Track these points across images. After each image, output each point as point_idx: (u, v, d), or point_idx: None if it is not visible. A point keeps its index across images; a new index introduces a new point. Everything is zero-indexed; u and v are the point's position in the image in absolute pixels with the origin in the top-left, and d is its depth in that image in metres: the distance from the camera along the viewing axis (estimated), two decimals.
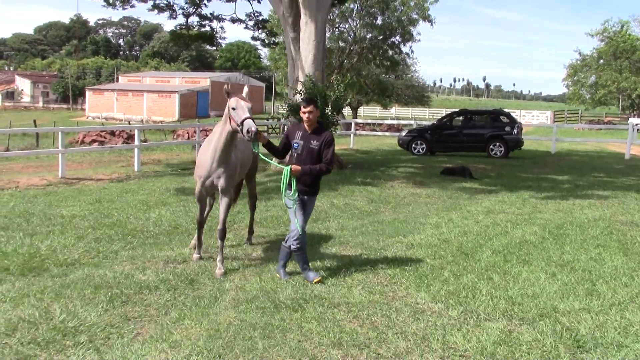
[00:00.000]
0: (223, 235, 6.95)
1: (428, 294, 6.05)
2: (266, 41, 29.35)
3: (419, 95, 60.75)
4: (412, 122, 31.22)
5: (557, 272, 6.92)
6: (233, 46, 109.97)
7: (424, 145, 24.11)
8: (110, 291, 5.97)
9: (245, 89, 6.79)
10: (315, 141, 6.63)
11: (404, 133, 25.76)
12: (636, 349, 4.77)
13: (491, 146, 23.71)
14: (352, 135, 28.17)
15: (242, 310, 5.51)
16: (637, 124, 36.93)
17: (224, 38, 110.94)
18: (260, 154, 6.78)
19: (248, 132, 6.28)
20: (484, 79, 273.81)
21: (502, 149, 23.58)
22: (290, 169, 6.42)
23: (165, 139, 29.17)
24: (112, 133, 28.72)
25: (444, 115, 28.53)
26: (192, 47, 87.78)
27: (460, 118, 25.34)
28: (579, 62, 70.16)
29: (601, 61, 68.14)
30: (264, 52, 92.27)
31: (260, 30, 26.76)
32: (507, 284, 6.41)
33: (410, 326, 5.18)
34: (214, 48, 48.51)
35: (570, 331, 5.10)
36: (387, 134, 32.92)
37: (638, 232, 9.33)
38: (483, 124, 24.82)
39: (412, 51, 53.74)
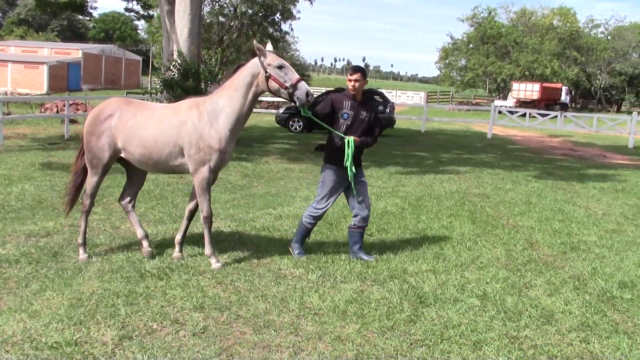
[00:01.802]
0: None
1: (291, 260, 6.38)
2: (141, 13, 28.48)
3: (299, 73, 61.09)
4: None
5: (411, 238, 7.53)
6: (108, 17, 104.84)
7: (301, 123, 24.55)
8: None
9: (269, 45, 6.19)
10: (365, 112, 6.44)
11: (281, 110, 26.05)
12: (470, 302, 5.36)
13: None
14: None
15: (107, 280, 5.55)
16: (500, 106, 39.58)
17: (96, 8, 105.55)
18: (311, 116, 6.25)
19: (307, 95, 5.79)
20: (364, 60, 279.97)
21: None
22: (354, 140, 6.26)
23: (32, 113, 27.60)
24: None
25: (321, 93, 29.06)
26: (63, 17, 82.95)
27: None
28: (450, 45, 73.69)
29: (470, 45, 71.92)
30: (141, 24, 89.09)
31: (135, 2, 25.93)
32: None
33: (271, 289, 5.48)
34: (87, 18, 46.28)
35: (415, 289, 5.62)
36: (265, 111, 33.07)
37: (487, 202, 10.23)
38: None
39: (292, 29, 54.12)
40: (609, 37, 78.13)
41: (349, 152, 6.22)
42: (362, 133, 6.38)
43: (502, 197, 10.86)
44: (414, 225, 8.29)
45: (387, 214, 8.87)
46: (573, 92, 73.51)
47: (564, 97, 59.45)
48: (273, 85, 5.87)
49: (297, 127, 24.55)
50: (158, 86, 18.99)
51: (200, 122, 6.01)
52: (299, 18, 46.94)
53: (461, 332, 4.72)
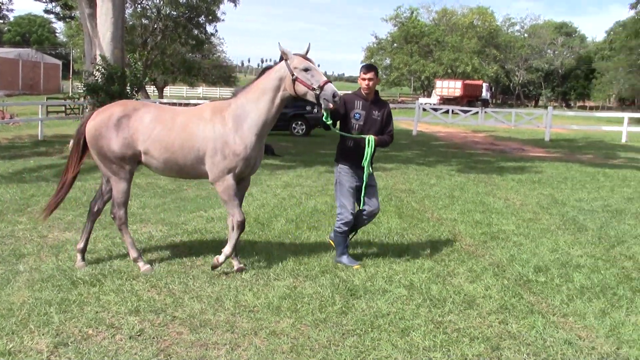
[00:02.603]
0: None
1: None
2: (61, 15, 27.67)
3: (226, 75, 61.04)
4: None
5: None
6: (24, 20, 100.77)
7: None
8: None
9: (308, 47, 6.05)
10: (377, 111, 6.41)
11: None
12: (397, 292, 5.63)
13: (294, 125, 24.83)
14: None
15: (37, 289, 5.49)
16: (425, 104, 40.65)
17: (12, 10, 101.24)
18: (330, 125, 6.18)
19: (334, 96, 5.67)
20: None
21: (304, 127, 24.83)
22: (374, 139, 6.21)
23: None
24: None
25: None
26: None
27: None
28: (375, 45, 74.98)
29: (395, 45, 73.42)
30: (59, 26, 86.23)
31: (54, 3, 25.15)
32: (296, 248, 7.07)
33: (205, 290, 5.58)
34: (1, 21, 44.45)
35: (346, 283, 5.85)
36: None
37: (413, 197, 10.62)
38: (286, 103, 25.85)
39: (217, 30, 53.77)
40: (525, 35, 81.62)
41: (368, 150, 6.23)
42: (375, 132, 6.37)
43: (427, 191, 11.29)
44: None
45: (317, 212, 9.09)
46: (493, 88, 76.34)
47: (485, 94, 61.67)
48: (300, 88, 5.81)
49: None
50: (81, 91, 18.58)
51: (224, 128, 5.89)
52: (223, 20, 46.77)
53: (390, 320, 4.98)
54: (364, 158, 6.28)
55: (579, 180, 13.59)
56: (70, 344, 4.41)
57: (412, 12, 71.66)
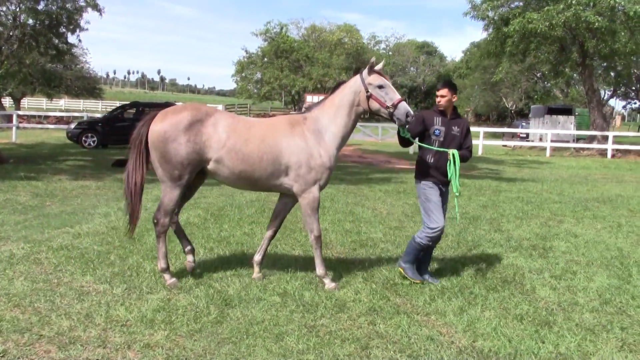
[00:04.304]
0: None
1: (94, 277, 6.29)
2: None
3: (90, 87, 58.47)
4: (83, 114, 30.23)
5: (215, 246, 7.78)
6: None
7: (95, 138, 23.66)
8: None
9: (381, 64, 6.07)
10: (456, 127, 6.34)
11: (73, 126, 24.90)
12: (272, 300, 5.76)
13: None
14: (14, 128, 26.15)
15: None
16: None
17: None
18: (410, 138, 6.24)
19: (407, 115, 5.77)
20: (159, 72, 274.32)
21: None
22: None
23: None
24: None
25: (116, 107, 28.18)
26: None
27: (133, 110, 25.46)
28: (246, 59, 75.08)
29: (265, 59, 73.95)
30: None
31: None
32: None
33: (74, 307, 5.40)
34: None
35: (220, 293, 5.89)
36: (54, 126, 31.16)
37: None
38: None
39: (80, 40, 51.36)
40: (390, 53, 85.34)
41: (453, 165, 6.20)
42: (455, 148, 6.33)
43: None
44: (217, 234, 8.55)
45: (190, 225, 9.03)
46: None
47: None
48: (374, 104, 5.87)
49: (91, 143, 23.62)
50: None
51: (306, 141, 5.92)
52: (87, 29, 44.74)
53: (265, 327, 5.09)
54: (451, 173, 6.24)
55: None
56: None
57: (282, 28, 72.57)
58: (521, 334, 5.18)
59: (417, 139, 6.41)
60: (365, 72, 6.04)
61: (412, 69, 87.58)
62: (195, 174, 6.04)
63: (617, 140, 34.91)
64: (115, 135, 24.10)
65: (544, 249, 8.37)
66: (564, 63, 33.07)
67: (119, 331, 4.90)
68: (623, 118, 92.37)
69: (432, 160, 6.39)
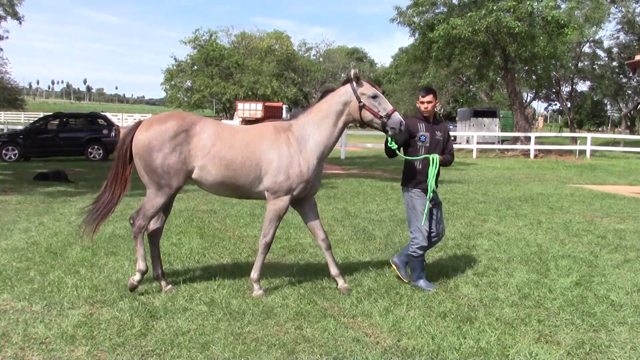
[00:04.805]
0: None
1: (12, 294, 6.07)
2: None
3: (11, 97, 56.44)
4: (2, 127, 29.10)
5: None
6: None
7: (16, 151, 22.83)
8: None
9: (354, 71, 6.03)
10: (439, 132, 6.45)
11: None
12: (198, 309, 5.71)
13: (90, 149, 23.75)
14: None
15: None
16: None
17: None
18: (396, 150, 6.29)
19: (401, 124, 5.83)
20: (85, 82, 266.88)
21: (101, 151, 23.84)
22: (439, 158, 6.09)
23: None
24: None
25: (38, 118, 27.25)
26: None
27: (56, 122, 24.70)
28: (175, 67, 74.04)
29: (195, 67, 73.13)
30: None
31: None
32: (92, 275, 6.83)
33: None
34: None
35: (145, 305, 5.79)
36: None
37: (215, 217, 10.76)
38: (80, 127, 24.67)
39: (1, 49, 49.40)
40: (321, 59, 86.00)
41: (433, 170, 6.28)
42: (439, 152, 6.46)
43: (228, 211, 11.48)
44: (144, 245, 8.37)
45: (115, 237, 8.83)
46: (292, 110, 79.08)
47: (285, 115, 63.70)
48: (367, 115, 5.86)
49: (12, 156, 22.78)
50: None
51: (289, 148, 5.88)
52: (7, 37, 43.17)
53: (190, 337, 5.04)
54: (429, 177, 6.34)
55: (369, 194, 14.69)
56: None
57: (211, 35, 71.99)
58: (444, 330, 5.32)
59: (401, 151, 6.51)
60: (360, 81, 6.03)
61: (342, 75, 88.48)
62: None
63: (539, 140, 36.46)
64: (38, 147, 23.36)
65: (467, 248, 8.63)
66: (488, 67, 34.29)
67: (37, 349, 4.74)
68: (545, 119, 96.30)
69: (420, 167, 6.50)
